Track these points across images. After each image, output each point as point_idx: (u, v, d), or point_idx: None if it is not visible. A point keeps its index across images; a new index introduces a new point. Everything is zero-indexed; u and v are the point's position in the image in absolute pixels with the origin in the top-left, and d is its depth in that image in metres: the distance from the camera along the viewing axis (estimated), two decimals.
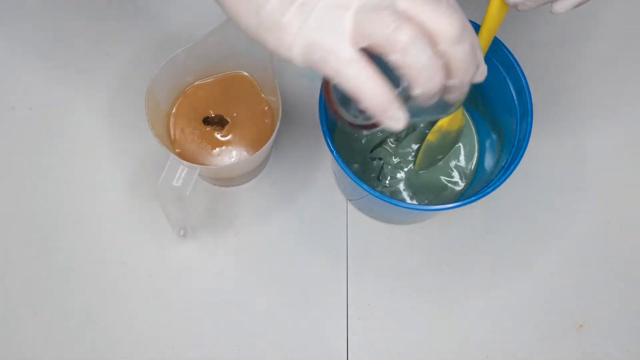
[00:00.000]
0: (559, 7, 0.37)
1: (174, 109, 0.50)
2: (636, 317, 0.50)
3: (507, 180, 0.52)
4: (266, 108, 0.50)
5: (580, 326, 0.50)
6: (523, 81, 0.42)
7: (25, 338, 0.49)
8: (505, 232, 0.52)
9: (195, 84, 0.50)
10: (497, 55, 0.44)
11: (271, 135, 0.46)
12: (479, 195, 0.41)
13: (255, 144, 0.50)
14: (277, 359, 0.49)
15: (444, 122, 0.47)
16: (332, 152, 0.41)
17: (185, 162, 0.44)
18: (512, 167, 0.41)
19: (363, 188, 0.41)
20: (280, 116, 0.45)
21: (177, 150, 0.49)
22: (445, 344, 0.50)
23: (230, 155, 0.50)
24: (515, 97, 0.43)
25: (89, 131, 0.54)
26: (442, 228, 0.52)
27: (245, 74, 0.51)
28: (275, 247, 0.51)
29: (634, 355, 0.49)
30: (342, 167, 0.41)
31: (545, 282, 0.51)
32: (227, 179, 0.51)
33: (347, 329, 0.50)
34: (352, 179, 0.41)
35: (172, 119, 0.50)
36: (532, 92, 0.53)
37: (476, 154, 0.50)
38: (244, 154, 0.50)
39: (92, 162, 0.53)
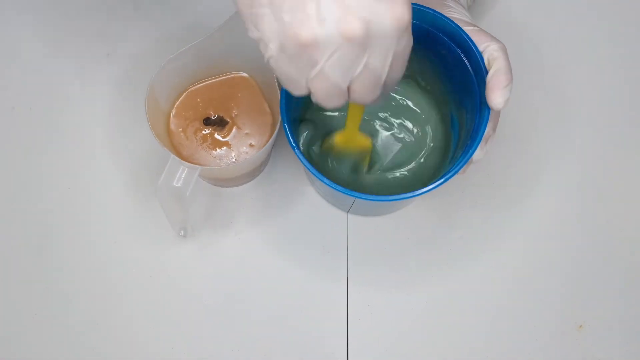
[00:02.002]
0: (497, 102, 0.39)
1: (174, 109, 0.50)
2: (636, 317, 0.50)
3: (508, 180, 0.52)
4: (266, 108, 0.50)
5: (580, 326, 0.50)
6: (482, 66, 0.41)
7: (25, 338, 0.49)
8: (504, 233, 0.52)
9: (196, 84, 0.50)
10: (455, 40, 0.43)
11: (271, 135, 0.46)
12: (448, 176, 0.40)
13: (255, 145, 0.50)
14: (277, 359, 0.49)
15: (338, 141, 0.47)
16: (300, 158, 0.41)
17: (185, 162, 0.44)
18: (468, 154, 0.40)
19: (328, 185, 0.41)
20: (280, 116, 0.45)
21: (177, 150, 0.49)
22: (445, 344, 0.50)
23: (230, 155, 0.50)
24: (476, 85, 0.43)
25: (89, 131, 0.54)
26: (441, 227, 0.52)
27: (245, 74, 0.51)
28: (275, 247, 0.51)
29: (634, 355, 0.50)
30: (310, 171, 0.41)
31: (545, 282, 0.51)
32: (227, 180, 0.51)
33: (347, 329, 0.50)
34: (324, 182, 0.41)
35: (172, 119, 0.50)
36: (527, 92, 0.53)
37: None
38: (244, 154, 0.50)
39: (92, 162, 0.53)
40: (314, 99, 0.34)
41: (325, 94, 0.34)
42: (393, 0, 0.31)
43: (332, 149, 0.48)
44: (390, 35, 0.31)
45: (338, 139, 0.47)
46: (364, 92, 0.34)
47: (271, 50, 0.32)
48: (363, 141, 0.47)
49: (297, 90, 0.34)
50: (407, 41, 0.33)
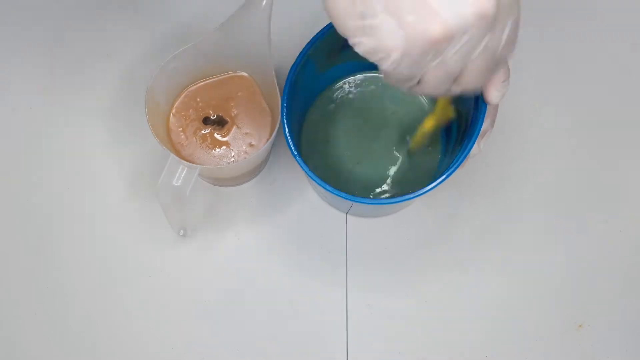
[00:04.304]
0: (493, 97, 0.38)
1: (174, 109, 0.50)
2: (636, 317, 0.50)
3: (508, 179, 0.52)
4: (266, 108, 0.50)
5: (580, 326, 0.50)
6: None
7: (25, 338, 0.49)
8: (504, 233, 0.52)
9: (196, 84, 0.50)
10: None
11: (271, 135, 0.46)
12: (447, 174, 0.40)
13: (255, 144, 0.50)
14: (276, 359, 0.49)
15: (427, 125, 0.47)
16: (300, 164, 0.42)
17: (184, 162, 0.44)
18: (465, 150, 0.41)
19: (327, 189, 0.41)
20: (279, 116, 0.45)
21: (176, 150, 0.49)
22: (445, 344, 0.49)
23: (229, 155, 0.50)
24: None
25: (89, 131, 0.54)
26: (441, 227, 0.52)
27: (245, 74, 0.51)
28: (275, 247, 0.51)
29: (634, 355, 0.49)
30: (313, 179, 0.41)
31: (545, 282, 0.51)
32: (226, 179, 0.51)
33: (347, 329, 0.50)
34: (323, 186, 0.41)
35: (172, 119, 0.50)
36: (524, 89, 0.52)
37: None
38: (244, 154, 0.50)
39: (92, 162, 0.53)
40: (419, 88, 0.32)
41: (437, 83, 0.32)
42: None
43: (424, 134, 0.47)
44: (512, 5, 0.30)
45: (430, 123, 0.46)
46: (477, 75, 0.32)
47: (394, 57, 0.29)
48: (452, 111, 0.46)
49: (407, 84, 0.32)
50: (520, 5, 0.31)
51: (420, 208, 0.52)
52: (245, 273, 0.51)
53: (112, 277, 0.51)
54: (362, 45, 0.30)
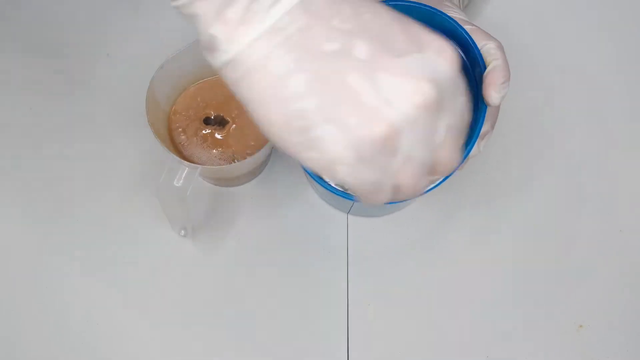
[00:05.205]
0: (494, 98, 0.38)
1: (174, 109, 0.50)
2: (636, 317, 0.50)
3: (508, 180, 0.52)
4: None
5: (580, 326, 0.50)
6: (480, 63, 0.41)
7: (25, 338, 0.49)
8: (504, 233, 0.52)
9: (196, 83, 0.51)
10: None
11: None
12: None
13: (255, 144, 0.50)
14: (277, 358, 0.49)
15: None
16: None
17: (185, 162, 0.44)
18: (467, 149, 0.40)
19: (327, 189, 0.41)
20: None
21: (177, 150, 0.49)
22: (445, 344, 0.50)
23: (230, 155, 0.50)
24: (475, 82, 0.42)
25: (88, 131, 0.54)
26: (441, 226, 0.52)
27: None
28: (276, 247, 0.51)
29: (634, 355, 0.50)
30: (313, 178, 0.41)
31: (545, 282, 0.51)
32: (227, 179, 0.51)
33: (347, 329, 0.50)
34: (325, 186, 0.41)
35: (172, 119, 0.50)
36: (525, 91, 0.52)
37: None
38: (245, 154, 0.50)
39: (92, 162, 0.53)
40: (400, 196, 0.30)
41: (414, 182, 0.29)
42: (437, 44, 0.28)
43: None
44: (455, 80, 0.29)
45: None
46: (453, 156, 0.30)
47: (346, 166, 0.27)
48: None
49: (382, 195, 0.30)
50: (464, 81, 0.30)
51: (421, 208, 0.52)
52: (246, 272, 0.51)
53: (112, 277, 0.51)
54: (312, 160, 0.28)
